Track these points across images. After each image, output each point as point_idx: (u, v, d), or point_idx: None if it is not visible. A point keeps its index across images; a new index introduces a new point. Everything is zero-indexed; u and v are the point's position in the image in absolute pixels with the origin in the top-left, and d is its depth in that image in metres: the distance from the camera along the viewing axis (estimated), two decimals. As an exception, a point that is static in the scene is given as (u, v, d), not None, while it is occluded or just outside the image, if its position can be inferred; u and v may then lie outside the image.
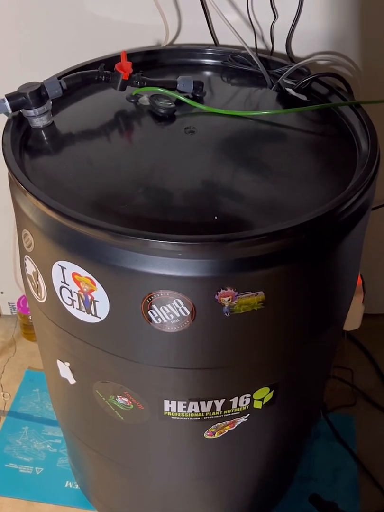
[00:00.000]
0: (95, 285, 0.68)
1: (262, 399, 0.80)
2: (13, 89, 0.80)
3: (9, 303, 1.43)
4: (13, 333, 1.44)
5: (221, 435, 0.83)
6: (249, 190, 0.74)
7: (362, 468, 1.21)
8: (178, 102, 0.85)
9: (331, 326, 0.87)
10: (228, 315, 0.67)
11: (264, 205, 0.72)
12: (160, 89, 0.85)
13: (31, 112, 0.79)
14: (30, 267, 0.77)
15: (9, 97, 0.78)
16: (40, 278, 0.75)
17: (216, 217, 0.69)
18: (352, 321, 1.00)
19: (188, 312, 0.67)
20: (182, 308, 0.67)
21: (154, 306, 0.67)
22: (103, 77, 0.83)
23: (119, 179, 0.75)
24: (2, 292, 1.41)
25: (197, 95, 0.88)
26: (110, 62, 0.88)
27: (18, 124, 0.80)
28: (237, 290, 0.66)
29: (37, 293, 0.78)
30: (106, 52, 0.99)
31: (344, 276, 0.83)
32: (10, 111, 0.78)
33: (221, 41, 1.01)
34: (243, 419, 0.82)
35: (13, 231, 0.82)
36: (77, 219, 0.65)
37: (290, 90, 0.87)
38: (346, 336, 1.30)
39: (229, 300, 0.67)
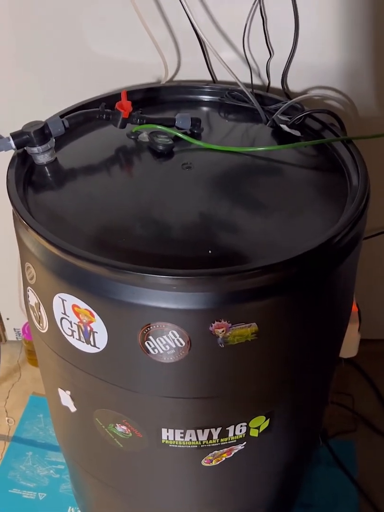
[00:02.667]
0: (94, 317, 0.71)
1: (258, 427, 0.82)
2: (14, 123, 0.83)
3: (14, 329, 1.46)
4: (18, 358, 1.47)
5: (218, 462, 0.85)
6: (243, 224, 0.77)
7: (363, 494, 1.21)
8: (177, 138, 0.88)
9: (326, 355, 0.89)
10: (223, 346, 0.69)
11: (258, 239, 0.75)
12: (159, 127, 0.88)
13: (35, 149, 0.82)
14: (33, 299, 0.80)
15: (14, 135, 0.81)
16: (42, 309, 0.78)
17: (210, 251, 0.71)
18: (348, 349, 1.01)
19: (184, 343, 0.69)
20: (178, 339, 0.69)
21: (150, 337, 0.69)
22: (104, 115, 0.87)
23: (118, 213, 0.78)
24: (7, 318, 1.44)
25: (195, 131, 0.91)
26: (110, 100, 0.92)
27: (23, 160, 0.83)
28: (230, 322, 0.68)
29: (39, 323, 0.81)
30: (108, 89, 1.04)
31: (338, 306, 0.85)
32: (14, 149, 0.82)
33: (219, 77, 1.05)
34: (240, 447, 0.83)
35: (19, 259, 0.85)
36: (77, 254, 0.68)
37: (284, 126, 0.90)
38: (346, 361, 1.32)
39: (223, 331, 0.69)
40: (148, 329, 0.69)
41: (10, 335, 1.48)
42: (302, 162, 0.88)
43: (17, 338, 1.47)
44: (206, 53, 1.01)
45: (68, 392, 0.85)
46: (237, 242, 0.74)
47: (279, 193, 0.82)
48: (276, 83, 1.05)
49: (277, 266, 0.68)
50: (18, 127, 0.83)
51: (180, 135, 0.88)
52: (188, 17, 0.95)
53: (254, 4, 0.95)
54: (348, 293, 0.88)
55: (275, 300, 0.70)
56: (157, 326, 0.69)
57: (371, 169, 0.82)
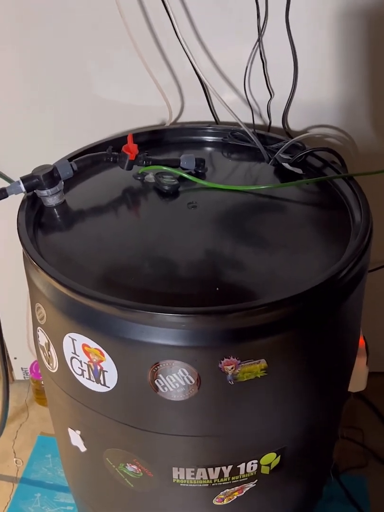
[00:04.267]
0: (104, 356, 0.72)
1: (269, 465, 0.82)
2: (24, 165, 0.86)
3: (22, 368, 1.46)
4: (26, 398, 1.47)
5: (230, 501, 0.84)
6: (249, 261, 0.78)
7: (376, 531, 1.19)
8: (182, 179, 0.91)
9: (335, 390, 0.89)
10: (232, 383, 0.70)
11: (264, 275, 0.76)
12: (164, 167, 0.91)
13: (44, 192, 0.85)
14: (43, 339, 0.81)
15: (24, 179, 0.84)
16: (52, 349, 0.79)
17: (217, 289, 0.73)
18: (357, 382, 1.01)
19: (194, 381, 0.70)
20: (188, 377, 0.70)
21: (160, 375, 0.70)
22: (112, 158, 0.89)
23: (126, 253, 0.80)
24: (15, 358, 1.44)
25: (200, 171, 0.94)
26: (117, 142, 0.95)
27: (32, 203, 0.86)
28: (239, 358, 0.69)
29: (49, 363, 0.82)
30: (115, 130, 1.07)
31: (345, 340, 0.85)
32: (25, 192, 0.84)
33: (222, 118, 1.08)
34: (251, 485, 0.83)
35: (27, 297, 0.87)
36: (86, 294, 0.69)
37: (286, 165, 0.92)
38: (354, 395, 1.31)
39: (232, 368, 0.70)
40: (158, 367, 0.69)
41: (18, 375, 1.48)
42: (304, 199, 0.90)
43: (24, 377, 1.47)
44: (208, 96, 1.05)
45: (78, 432, 0.85)
46: (243, 279, 0.76)
47: (283, 230, 0.84)
48: (277, 122, 1.08)
49: (284, 302, 0.69)
50: (29, 168, 0.86)
51: (185, 175, 0.91)
52: (191, 62, 0.98)
53: (254, 48, 0.99)
54: (355, 327, 0.88)
55: (283, 336, 0.71)
56: (167, 364, 0.69)
57: (373, 203, 0.84)
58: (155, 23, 0.98)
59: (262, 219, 0.86)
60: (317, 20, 0.98)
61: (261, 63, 1.01)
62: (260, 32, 0.97)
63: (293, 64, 1.01)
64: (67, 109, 1.09)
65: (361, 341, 1.00)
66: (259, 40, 0.98)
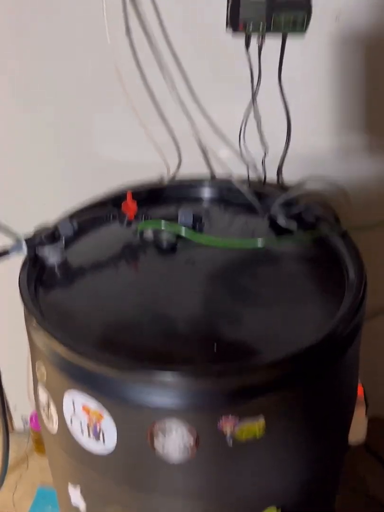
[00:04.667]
0: (103, 416, 0.73)
1: (269, 521, 0.81)
2: (27, 220, 0.88)
3: (22, 418, 1.46)
4: (26, 448, 1.46)
5: None
6: (246, 318, 0.80)
7: None
8: (180, 235, 0.93)
9: (335, 442, 0.89)
10: (231, 444, 0.70)
11: (261, 333, 0.77)
12: (162, 224, 0.93)
13: (46, 251, 0.87)
14: (43, 397, 0.82)
15: (26, 239, 0.86)
16: (52, 407, 0.80)
17: (215, 347, 0.74)
18: (357, 433, 1.01)
19: (192, 441, 0.70)
20: (186, 438, 0.70)
21: (159, 435, 0.71)
22: (111, 216, 0.92)
23: (126, 311, 0.82)
24: (15, 407, 1.44)
25: (197, 226, 0.96)
26: (117, 199, 0.98)
27: (34, 262, 0.88)
28: (238, 418, 0.70)
29: (49, 422, 0.82)
30: (114, 185, 1.10)
31: (344, 392, 0.86)
32: (26, 252, 0.86)
33: (219, 172, 1.11)
34: (251, 542, 0.83)
35: (28, 346, 0.88)
36: (85, 354, 0.71)
37: (280, 220, 0.95)
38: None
39: (231, 428, 0.70)
40: (156, 427, 0.70)
41: (17, 424, 1.48)
42: (299, 253, 0.92)
43: (24, 427, 1.47)
44: (205, 153, 1.08)
45: (78, 488, 0.85)
46: (241, 336, 0.77)
47: (279, 285, 0.86)
48: (272, 175, 1.11)
49: (282, 361, 0.70)
50: (29, 221, 0.88)
51: (182, 231, 0.93)
52: (187, 121, 1.02)
53: (248, 107, 1.03)
54: (353, 378, 0.89)
55: (281, 395, 0.72)
56: (165, 424, 0.70)
57: (367, 252, 0.86)
58: (152, 84, 1.02)
59: (258, 274, 0.88)
60: (309, 78, 1.02)
61: (255, 121, 1.05)
62: (254, 92, 1.01)
63: (286, 121, 1.05)
64: (68, 166, 1.12)
65: (360, 391, 1.00)
66: (253, 100, 1.02)
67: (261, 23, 0.94)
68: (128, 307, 0.83)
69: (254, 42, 0.97)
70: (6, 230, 1.15)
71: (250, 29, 0.95)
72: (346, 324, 0.76)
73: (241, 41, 0.97)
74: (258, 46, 0.98)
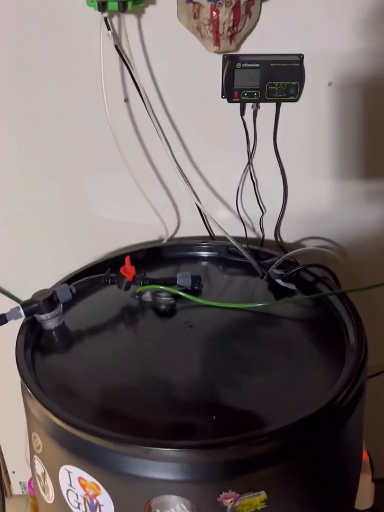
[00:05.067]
0: (100, 489, 0.70)
1: None
2: (25, 284, 0.88)
3: (20, 483, 1.42)
4: (24, 514, 1.41)
5: None
6: (245, 384, 0.78)
7: None
8: (179, 296, 0.93)
9: (340, 511, 0.86)
10: (231, 517, 0.68)
11: (261, 400, 0.76)
12: (161, 287, 0.93)
13: (43, 316, 0.86)
14: (39, 468, 0.80)
15: (24, 304, 0.86)
16: (48, 479, 0.77)
17: (214, 417, 0.72)
18: (363, 500, 0.98)
19: (192, 516, 0.68)
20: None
21: (157, 510, 0.68)
22: (110, 280, 0.92)
23: (123, 378, 0.80)
24: (13, 472, 1.40)
25: (196, 288, 0.96)
26: (115, 261, 0.98)
27: (31, 327, 0.87)
28: (239, 491, 0.68)
29: (45, 493, 0.80)
30: (114, 247, 1.11)
31: (348, 459, 0.84)
32: (23, 317, 0.86)
33: (217, 233, 1.12)
34: None
35: (24, 412, 0.86)
36: (81, 427, 0.69)
37: (279, 281, 0.95)
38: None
39: (231, 502, 0.68)
40: (155, 501, 0.68)
41: (16, 489, 1.43)
42: (298, 315, 0.92)
43: (22, 492, 1.43)
44: (203, 214, 1.09)
45: None
46: (241, 404, 0.75)
47: (278, 349, 0.85)
48: (270, 235, 1.12)
49: (283, 432, 0.68)
50: (31, 286, 0.88)
51: (181, 294, 0.93)
52: (185, 183, 1.03)
53: (244, 171, 1.05)
54: (357, 445, 0.87)
55: (283, 466, 0.70)
56: (164, 498, 0.68)
57: (366, 310, 0.85)
58: (150, 148, 1.04)
59: (257, 337, 0.87)
60: (303, 138, 1.04)
61: (252, 183, 1.06)
62: (250, 156, 1.03)
63: (282, 181, 1.06)
64: (67, 227, 1.13)
65: (365, 456, 0.97)
66: (249, 163, 1.04)
67: (256, 92, 0.97)
68: (126, 374, 0.81)
69: (249, 106, 1.00)
70: (7, 294, 1.16)
71: (245, 98, 0.97)
72: (347, 391, 0.75)
73: (237, 106, 1.00)
74: (253, 112, 1.00)
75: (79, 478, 0.72)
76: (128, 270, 0.92)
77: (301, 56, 0.97)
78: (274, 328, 0.89)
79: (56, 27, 0.94)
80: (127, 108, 1.01)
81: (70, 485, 0.73)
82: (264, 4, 0.93)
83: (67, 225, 1.13)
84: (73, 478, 0.72)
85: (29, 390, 0.75)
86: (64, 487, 0.74)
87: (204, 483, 0.68)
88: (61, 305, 0.89)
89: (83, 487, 0.72)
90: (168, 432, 0.69)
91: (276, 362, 0.82)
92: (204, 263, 1.06)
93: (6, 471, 1.41)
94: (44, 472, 0.78)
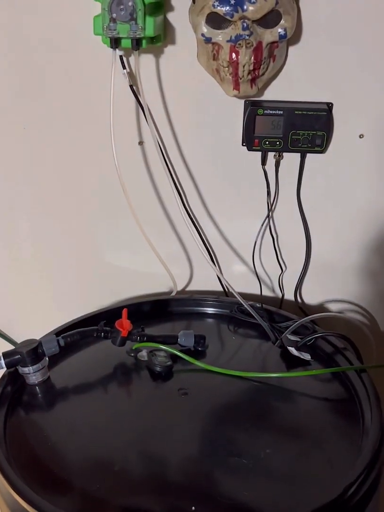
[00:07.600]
0: None
1: None
2: (28, 326, 0.82)
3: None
4: None
5: None
6: (244, 472, 0.67)
7: None
8: (178, 356, 0.84)
9: None
10: None
11: (263, 494, 0.65)
12: (160, 345, 0.85)
13: (26, 370, 0.79)
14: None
15: (5, 354, 0.79)
16: None
17: (193, 508, 0.62)
18: None
19: None
20: None
21: None
22: (102, 333, 0.84)
23: (109, 452, 0.70)
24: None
25: (199, 348, 0.87)
26: (110, 314, 0.91)
27: (13, 379, 0.80)
28: None
29: None
30: (122, 295, 1.05)
31: None
32: (5, 369, 0.79)
33: (232, 289, 1.03)
34: None
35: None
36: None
37: (293, 349, 0.84)
38: None
39: None
40: None
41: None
42: (310, 389, 0.81)
43: None
44: (217, 266, 1.01)
45: None
46: (238, 498, 0.64)
47: (285, 426, 0.74)
48: (290, 294, 1.02)
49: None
50: (34, 334, 0.82)
51: (180, 354, 0.84)
52: (199, 233, 0.96)
53: (263, 223, 0.96)
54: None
55: None
56: None
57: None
58: (163, 195, 0.98)
59: (261, 412, 0.76)
60: (330, 193, 0.95)
61: (271, 237, 0.97)
62: (270, 208, 0.95)
63: (305, 238, 0.97)
64: (74, 273, 1.07)
65: None
66: (269, 216, 0.96)
67: (278, 141, 0.89)
68: (112, 447, 0.71)
69: (271, 155, 0.93)
70: (7, 339, 1.10)
71: (266, 146, 0.90)
72: (359, 486, 0.64)
73: (258, 154, 0.92)
74: (276, 162, 0.93)
75: None
76: (124, 324, 0.84)
77: (330, 105, 0.89)
78: (281, 403, 0.78)
79: (72, 67, 0.91)
80: (141, 152, 0.96)
81: None
82: (291, 48, 0.87)
83: (75, 271, 1.07)
84: None
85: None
86: None
87: None
88: (47, 358, 0.81)
89: None
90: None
91: (281, 445, 0.71)
92: (213, 321, 0.97)
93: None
94: None
